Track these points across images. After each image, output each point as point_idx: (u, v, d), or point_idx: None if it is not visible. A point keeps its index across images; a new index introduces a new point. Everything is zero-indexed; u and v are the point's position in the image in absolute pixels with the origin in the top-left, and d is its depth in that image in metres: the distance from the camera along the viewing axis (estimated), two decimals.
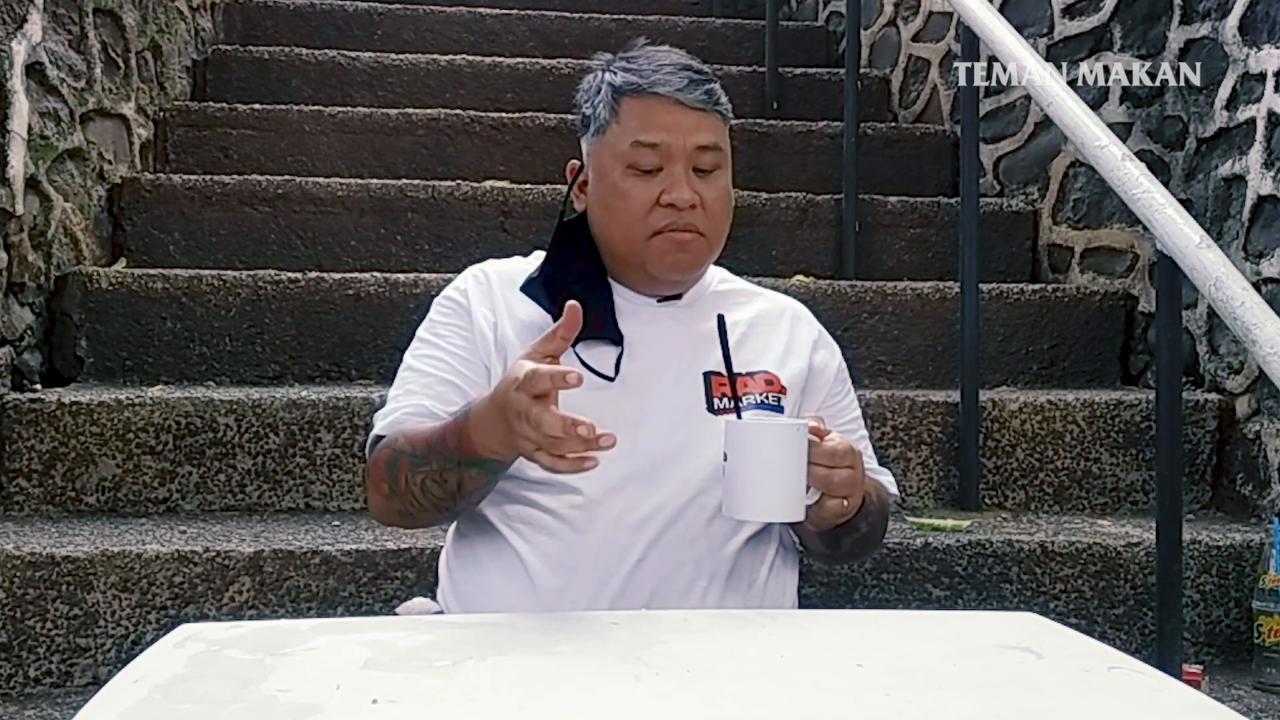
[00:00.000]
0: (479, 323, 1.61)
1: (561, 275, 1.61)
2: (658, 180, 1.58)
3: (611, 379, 1.55)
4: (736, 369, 1.59)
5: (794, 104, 4.28)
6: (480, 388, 1.58)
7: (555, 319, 1.55)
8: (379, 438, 1.56)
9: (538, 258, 1.70)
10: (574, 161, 1.69)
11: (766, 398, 1.61)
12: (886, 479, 1.74)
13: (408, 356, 1.65)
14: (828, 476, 1.42)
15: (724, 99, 1.63)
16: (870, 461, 1.74)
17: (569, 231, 1.65)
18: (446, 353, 1.61)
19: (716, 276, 1.72)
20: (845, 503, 1.44)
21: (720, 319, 1.56)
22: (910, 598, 2.44)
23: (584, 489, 1.53)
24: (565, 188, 1.70)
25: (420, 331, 1.66)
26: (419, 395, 1.58)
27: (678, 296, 1.66)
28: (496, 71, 4.14)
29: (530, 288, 1.61)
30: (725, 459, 1.41)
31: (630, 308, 1.63)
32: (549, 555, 1.53)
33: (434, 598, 1.74)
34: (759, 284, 1.81)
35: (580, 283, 1.59)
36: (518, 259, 1.72)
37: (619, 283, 1.64)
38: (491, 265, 1.70)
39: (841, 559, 1.79)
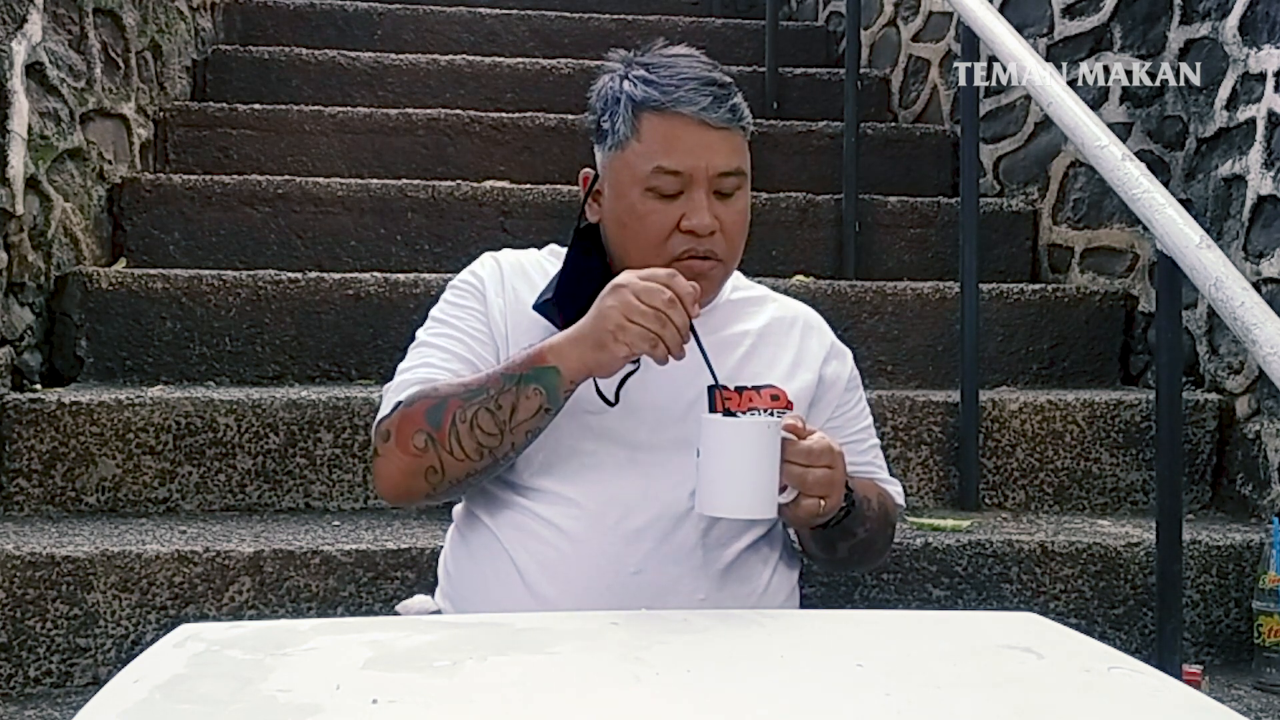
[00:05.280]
0: (492, 310, 1.61)
1: (574, 290, 1.57)
2: (678, 204, 1.55)
3: (612, 404, 1.54)
4: (742, 382, 1.59)
5: (794, 104, 4.28)
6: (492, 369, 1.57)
7: None
8: (399, 402, 1.53)
9: (550, 251, 1.70)
10: (587, 170, 1.65)
11: (771, 414, 1.60)
12: (895, 489, 1.73)
13: (421, 334, 1.64)
14: (803, 475, 1.41)
15: (746, 114, 1.59)
16: (880, 471, 1.73)
17: (583, 241, 1.62)
18: (463, 333, 1.60)
19: (729, 285, 1.69)
20: (822, 503, 1.43)
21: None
22: (910, 598, 2.43)
23: (580, 499, 1.53)
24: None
25: (435, 312, 1.65)
26: (438, 368, 1.57)
27: None
28: (496, 71, 4.14)
29: (544, 308, 1.58)
30: (698, 455, 1.40)
31: None
32: (546, 564, 1.52)
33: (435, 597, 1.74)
34: (759, 283, 1.80)
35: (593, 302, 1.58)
36: (532, 250, 1.71)
37: None
38: (505, 255, 1.69)
39: (841, 565, 1.79)
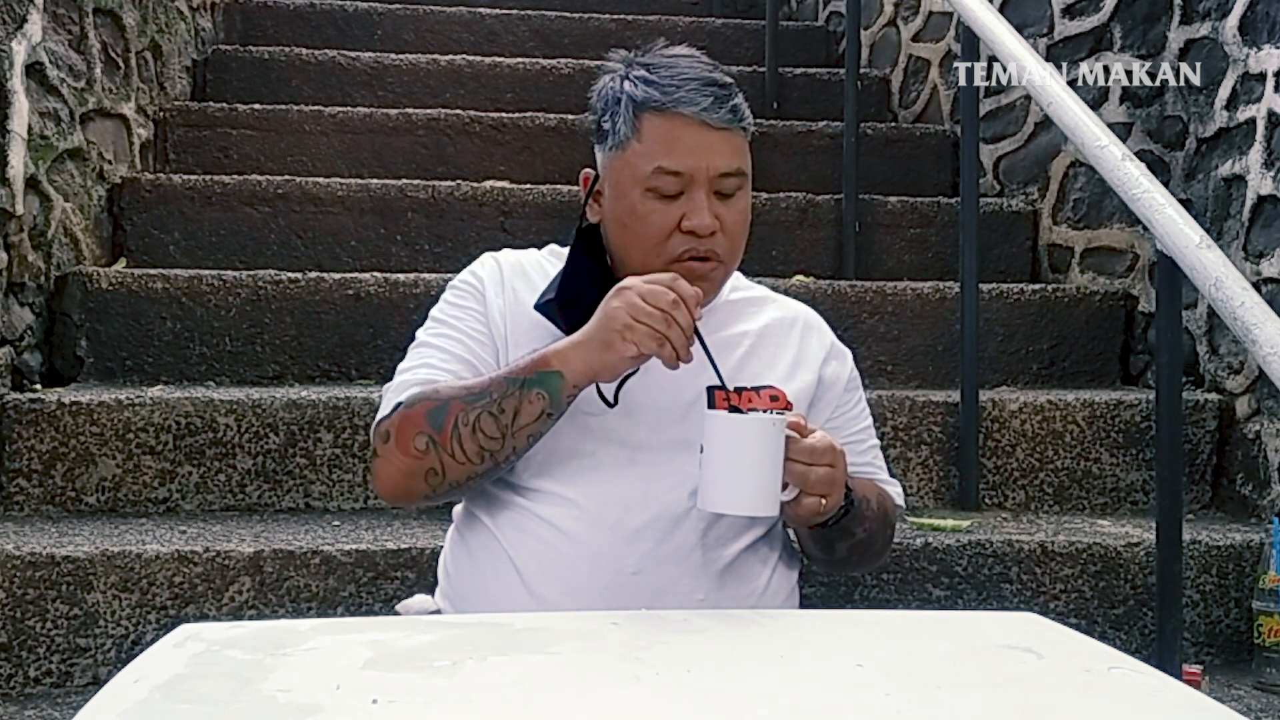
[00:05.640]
0: (492, 311, 1.62)
1: (576, 291, 1.57)
2: (678, 204, 1.55)
3: (612, 405, 1.54)
4: (742, 383, 1.59)
5: (794, 104, 4.28)
6: (492, 371, 1.58)
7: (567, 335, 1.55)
8: (399, 403, 1.54)
9: (550, 251, 1.70)
10: (588, 171, 1.65)
11: (770, 414, 1.60)
12: (894, 489, 1.73)
13: (421, 334, 1.65)
14: (805, 473, 1.41)
15: (747, 114, 1.59)
16: (880, 472, 1.73)
17: (584, 241, 1.62)
18: (462, 333, 1.61)
19: (729, 285, 1.69)
20: (823, 501, 1.43)
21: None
22: (910, 598, 2.44)
23: (580, 500, 1.53)
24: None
25: (435, 312, 1.66)
26: (437, 369, 1.58)
27: None
28: (496, 71, 4.14)
29: (545, 309, 1.58)
30: (701, 451, 1.41)
31: None
32: (545, 564, 1.52)
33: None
34: (759, 283, 1.80)
35: (594, 303, 1.57)
36: (532, 250, 1.71)
37: None
38: (505, 255, 1.69)
39: (840, 565, 1.78)
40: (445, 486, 1.53)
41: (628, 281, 1.45)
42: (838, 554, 1.61)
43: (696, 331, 1.44)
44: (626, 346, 1.42)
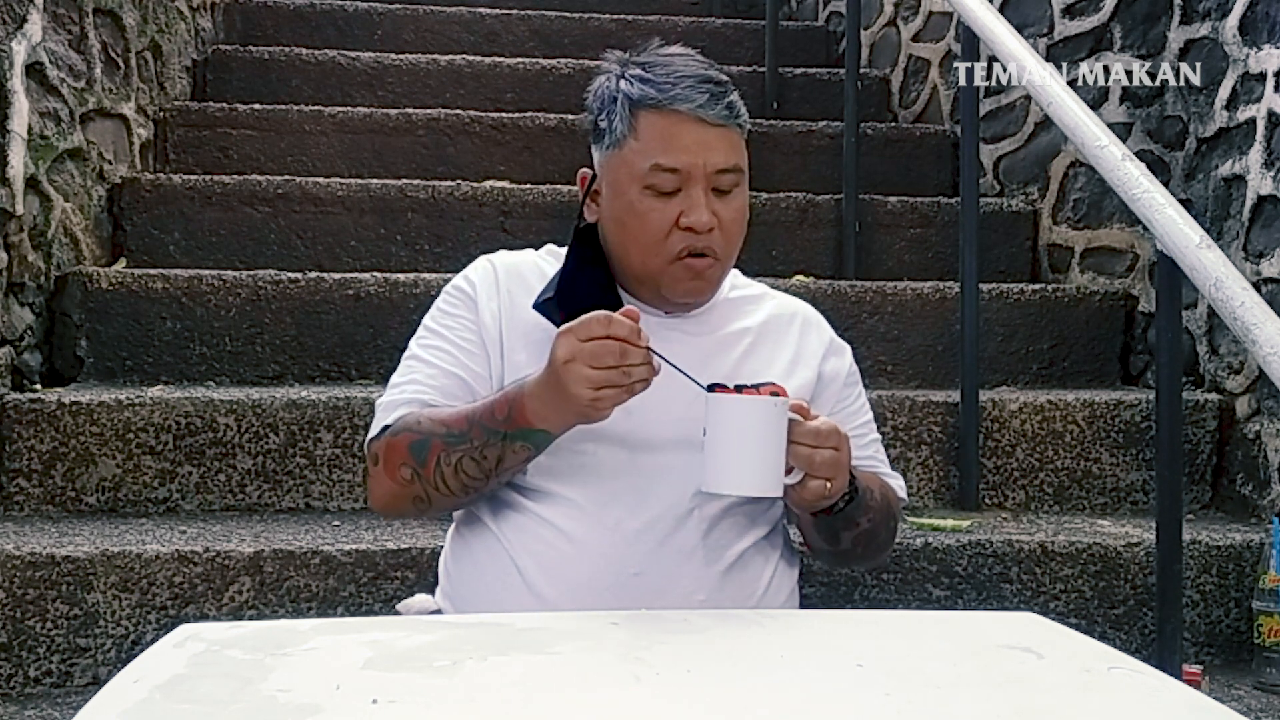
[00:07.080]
0: (484, 317, 1.61)
1: (574, 291, 1.56)
2: (676, 201, 1.55)
3: None
4: (742, 380, 1.59)
5: (794, 104, 4.28)
6: (484, 381, 1.58)
7: None
8: (386, 426, 1.56)
9: (549, 251, 1.69)
10: (585, 170, 1.65)
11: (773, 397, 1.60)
12: (897, 483, 1.73)
13: (413, 345, 1.65)
14: (810, 456, 1.42)
15: (743, 111, 1.60)
16: (882, 465, 1.74)
17: (582, 241, 1.62)
18: (453, 345, 1.61)
19: (727, 283, 1.69)
20: (829, 485, 1.43)
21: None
22: (910, 598, 2.44)
23: (580, 500, 1.53)
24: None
25: (427, 320, 1.66)
26: (424, 386, 1.58)
27: (686, 307, 1.64)
28: (496, 71, 4.14)
29: (545, 307, 1.57)
30: (705, 434, 1.41)
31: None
32: (546, 564, 1.52)
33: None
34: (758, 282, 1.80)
35: (593, 301, 1.56)
36: (528, 251, 1.70)
37: (629, 293, 1.62)
38: (501, 257, 1.69)
39: (845, 558, 1.78)
40: (433, 511, 1.57)
41: (565, 349, 1.38)
42: (842, 545, 1.61)
43: (656, 352, 1.42)
44: (602, 414, 1.42)
